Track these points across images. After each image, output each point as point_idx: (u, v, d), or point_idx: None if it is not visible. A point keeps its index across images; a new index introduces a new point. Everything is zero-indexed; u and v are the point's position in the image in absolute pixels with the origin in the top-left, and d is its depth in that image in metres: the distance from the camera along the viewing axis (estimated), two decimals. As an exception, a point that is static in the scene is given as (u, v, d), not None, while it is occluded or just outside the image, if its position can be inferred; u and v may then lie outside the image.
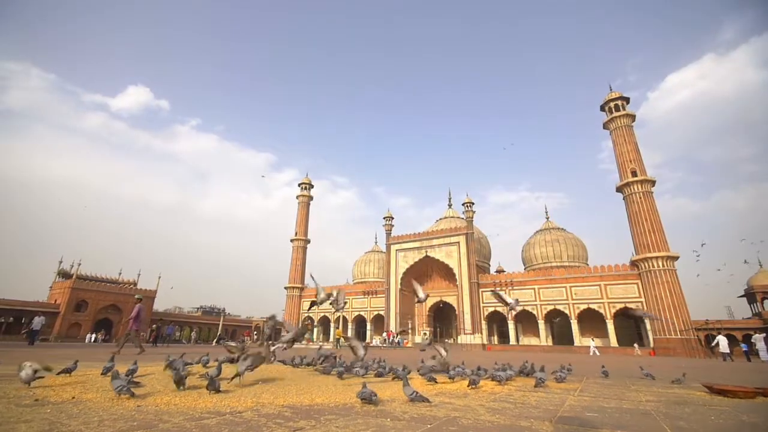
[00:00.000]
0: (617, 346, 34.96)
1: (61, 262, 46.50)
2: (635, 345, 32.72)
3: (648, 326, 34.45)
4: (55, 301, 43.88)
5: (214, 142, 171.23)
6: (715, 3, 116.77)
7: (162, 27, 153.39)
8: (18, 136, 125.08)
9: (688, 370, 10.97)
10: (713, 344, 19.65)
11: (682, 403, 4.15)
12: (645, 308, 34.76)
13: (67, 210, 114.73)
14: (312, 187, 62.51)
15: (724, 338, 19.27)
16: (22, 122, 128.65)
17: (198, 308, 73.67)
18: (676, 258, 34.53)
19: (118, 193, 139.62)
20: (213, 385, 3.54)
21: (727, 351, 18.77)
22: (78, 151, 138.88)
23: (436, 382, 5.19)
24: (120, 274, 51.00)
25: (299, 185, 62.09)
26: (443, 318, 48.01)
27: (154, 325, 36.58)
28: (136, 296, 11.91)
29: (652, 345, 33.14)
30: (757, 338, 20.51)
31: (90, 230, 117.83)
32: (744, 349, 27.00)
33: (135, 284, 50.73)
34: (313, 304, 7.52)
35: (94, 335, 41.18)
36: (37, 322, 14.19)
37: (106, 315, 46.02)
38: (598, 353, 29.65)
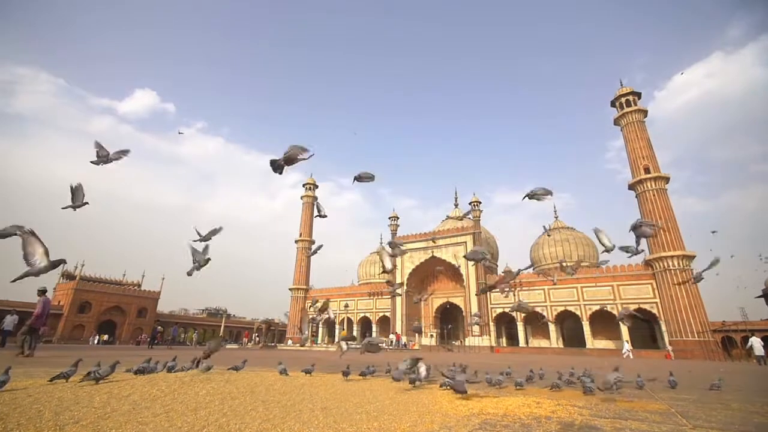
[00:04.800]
0: (631, 348, 33.68)
1: (65, 263, 46.23)
2: (668, 347, 31.11)
3: (663, 328, 33.16)
4: (59, 302, 43.61)
5: (219, 144, 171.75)
6: (722, 0, 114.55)
7: (168, 30, 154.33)
8: (26, 139, 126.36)
9: (733, 376, 9.96)
10: (748, 346, 18.41)
11: None
12: (660, 309, 33.53)
13: (72, 212, 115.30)
14: (316, 187, 61.91)
15: (758, 340, 18.00)
16: (31, 125, 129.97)
17: (203, 310, 73.42)
18: (692, 257, 33.20)
19: (124, 196, 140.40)
20: None
21: (762, 353, 17.53)
22: (85, 154, 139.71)
23: (464, 394, 4.11)
24: (124, 275, 50.78)
25: (303, 186, 61.53)
26: (450, 319, 46.95)
27: (158, 327, 36.09)
28: (39, 288, 10.05)
29: (668, 347, 31.85)
30: None
31: (95, 232, 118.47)
32: None
33: (139, 285, 50.43)
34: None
35: (97, 337, 40.84)
36: (9, 321, 13.01)
37: (110, 317, 45.71)
38: (632, 356, 28.38)
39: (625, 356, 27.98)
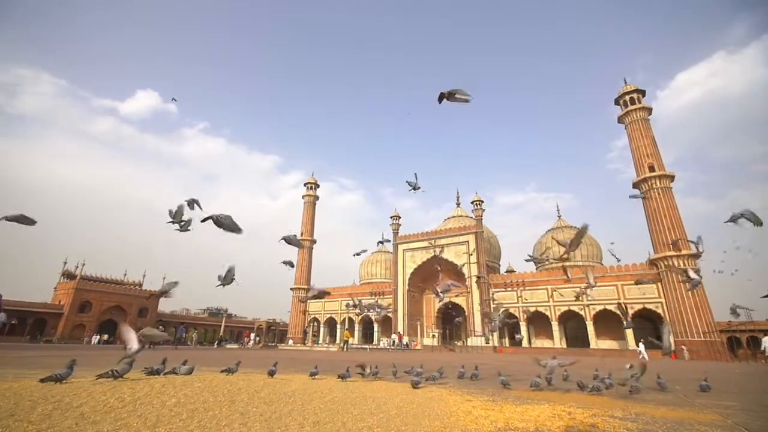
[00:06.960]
0: (635, 348, 33.12)
1: (65, 262, 45.95)
2: (683, 347, 30.39)
3: (668, 328, 32.62)
4: (60, 302, 43.39)
5: (221, 145, 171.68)
6: (724, 0, 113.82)
7: (168, 30, 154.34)
8: (27, 139, 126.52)
9: (751, 378, 9.46)
10: (762, 348, 17.84)
11: None
12: (665, 310, 33.02)
13: (74, 212, 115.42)
14: (318, 186, 61.57)
15: (773, 340, 17.54)
16: (32, 126, 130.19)
17: (204, 309, 73.32)
18: (698, 256, 32.64)
19: (126, 196, 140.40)
20: None
21: None
22: (87, 154, 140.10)
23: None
24: (125, 275, 50.50)
25: (305, 185, 61.21)
26: (452, 319, 46.52)
27: (160, 327, 35.64)
28: None
29: (672, 348, 31.25)
30: None
31: (96, 232, 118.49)
32: None
33: (140, 285, 50.14)
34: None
35: (97, 336, 40.50)
36: None
37: (111, 316, 45.36)
38: (647, 357, 27.75)
39: (640, 357, 27.39)
